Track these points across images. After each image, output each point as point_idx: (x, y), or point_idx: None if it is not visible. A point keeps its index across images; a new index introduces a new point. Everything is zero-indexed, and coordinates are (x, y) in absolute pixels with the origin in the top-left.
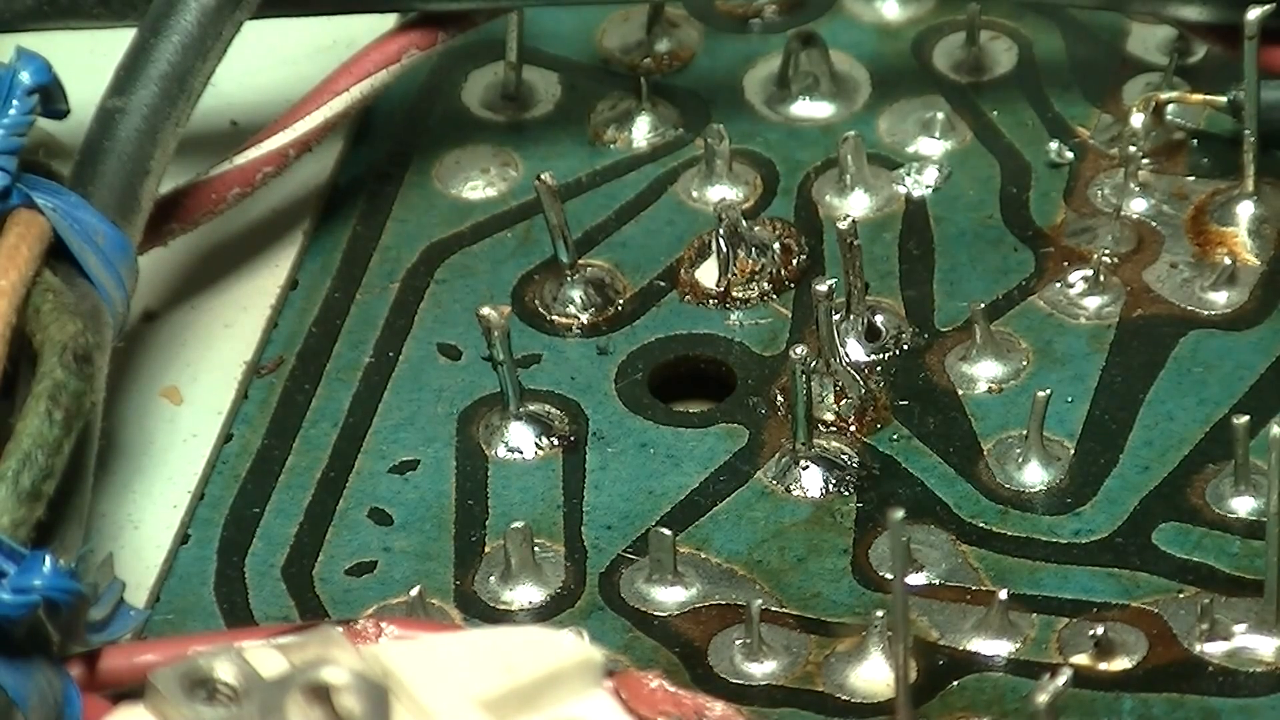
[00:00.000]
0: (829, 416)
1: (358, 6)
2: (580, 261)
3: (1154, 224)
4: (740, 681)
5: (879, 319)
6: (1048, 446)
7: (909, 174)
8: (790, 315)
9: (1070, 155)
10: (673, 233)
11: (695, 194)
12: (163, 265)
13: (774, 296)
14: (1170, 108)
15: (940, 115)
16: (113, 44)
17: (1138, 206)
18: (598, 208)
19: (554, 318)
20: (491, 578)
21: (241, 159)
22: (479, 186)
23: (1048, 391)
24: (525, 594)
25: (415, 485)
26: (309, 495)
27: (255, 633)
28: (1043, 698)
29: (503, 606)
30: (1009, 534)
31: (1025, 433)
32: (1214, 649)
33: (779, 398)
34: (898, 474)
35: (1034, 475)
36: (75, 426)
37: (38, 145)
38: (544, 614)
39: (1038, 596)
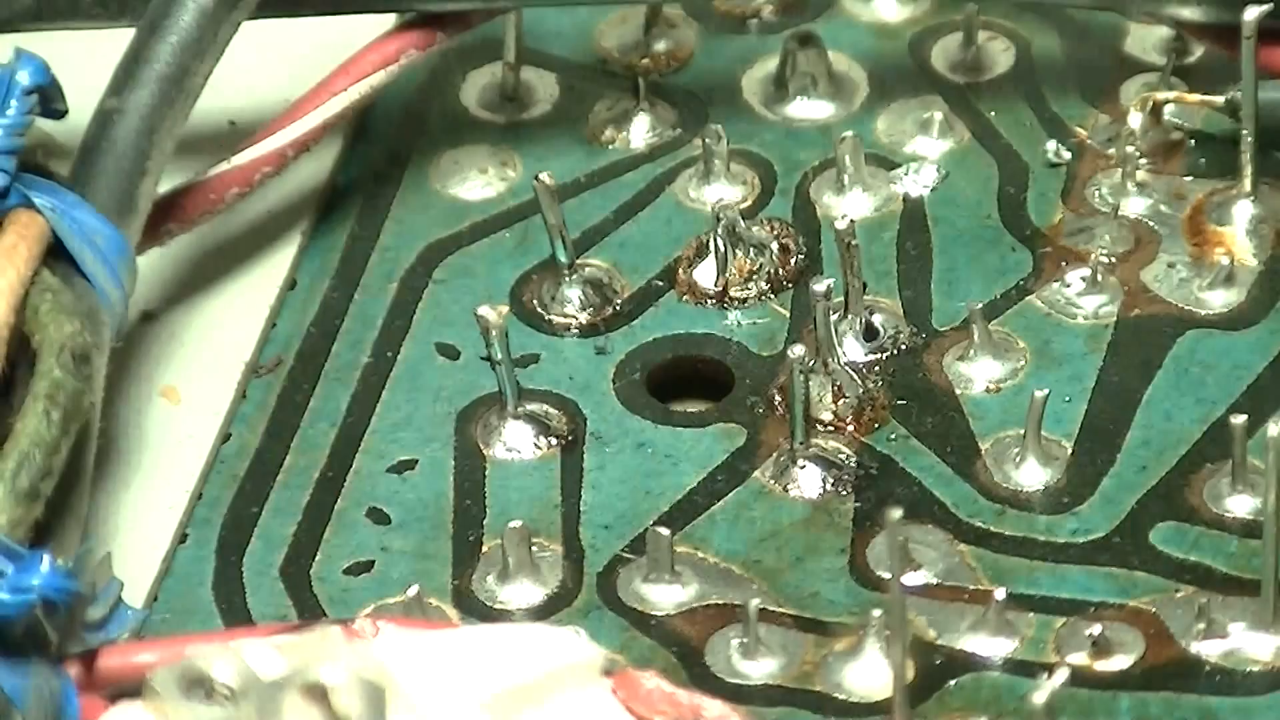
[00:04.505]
0: (827, 416)
1: (356, 7)
2: (578, 261)
3: (1151, 224)
4: (737, 681)
5: (876, 319)
6: (1045, 446)
7: (907, 174)
8: (788, 315)
9: (1068, 155)
10: (671, 233)
11: (693, 194)
12: (161, 265)
13: (772, 296)
14: (1168, 108)
15: (938, 115)
16: (111, 44)
17: (1135, 206)
18: (596, 208)
19: (552, 317)
20: (489, 577)
21: (240, 159)
22: (477, 186)
23: (1045, 391)
24: (523, 593)
25: (413, 485)
26: (307, 495)
27: (253, 632)
28: (1040, 698)
29: (500, 606)
30: (1006, 533)
31: (1023, 432)
32: (1211, 648)
33: (777, 397)
34: (895, 473)
35: (1032, 475)
36: (73, 426)
37: (36, 145)
38: (541, 613)
39: (1035, 596)
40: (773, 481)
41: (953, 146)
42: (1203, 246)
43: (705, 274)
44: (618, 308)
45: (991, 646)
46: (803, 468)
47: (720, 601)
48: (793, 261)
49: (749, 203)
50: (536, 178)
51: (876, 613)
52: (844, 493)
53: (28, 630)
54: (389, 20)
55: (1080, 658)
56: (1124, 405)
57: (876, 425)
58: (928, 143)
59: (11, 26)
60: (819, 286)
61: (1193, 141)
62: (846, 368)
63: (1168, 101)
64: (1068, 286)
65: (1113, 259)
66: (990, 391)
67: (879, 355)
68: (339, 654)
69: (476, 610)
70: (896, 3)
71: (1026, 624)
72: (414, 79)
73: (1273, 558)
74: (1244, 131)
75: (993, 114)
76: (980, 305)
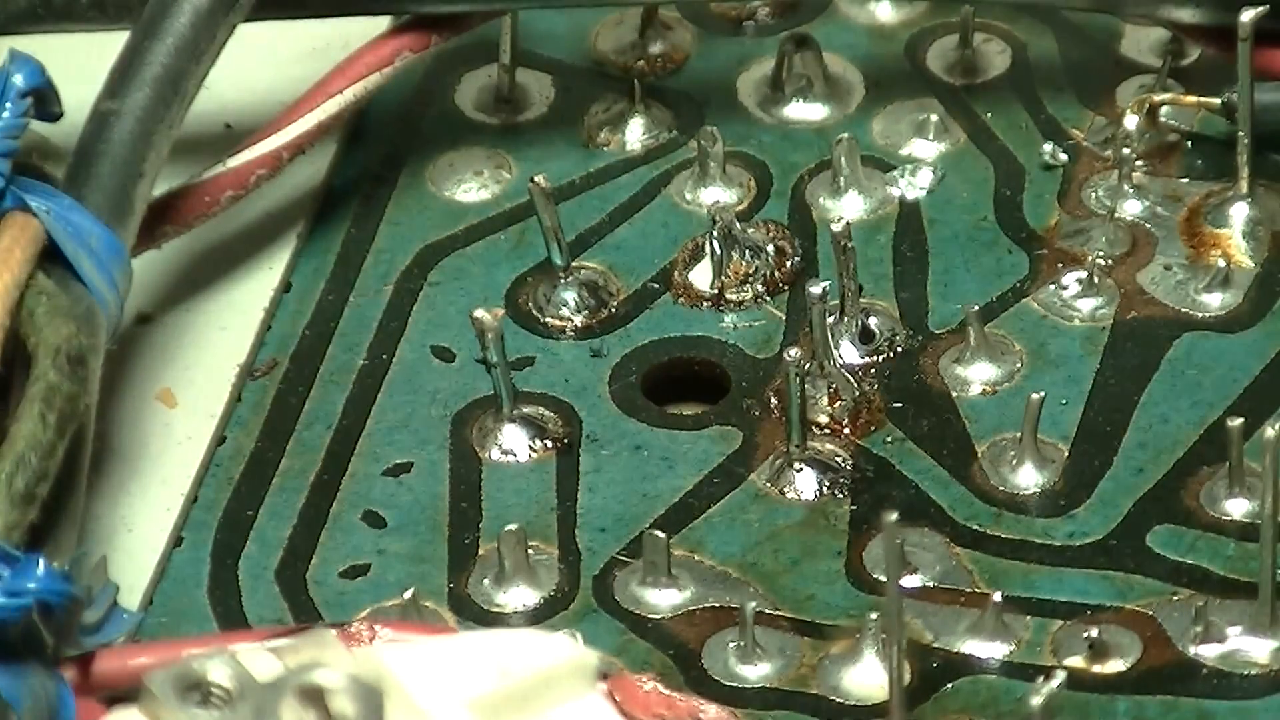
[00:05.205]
0: (823, 419)
1: (351, 9)
2: (574, 264)
3: (1148, 226)
4: (734, 684)
5: (873, 321)
6: (1042, 449)
7: (903, 176)
8: (784, 317)
9: (1064, 157)
10: (666, 235)
11: (689, 196)
12: (157, 268)
13: (768, 299)
14: (1164, 110)
15: (934, 117)
16: (106, 47)
17: (1132, 208)
18: (591, 210)
19: (548, 320)
20: (485, 580)
21: (235, 161)
22: (473, 189)
23: (1042, 394)
24: (519, 596)
25: (409, 488)
26: (303, 498)
27: (249, 635)
28: (1037, 700)
29: (496, 609)
30: (1003, 536)
31: (1019, 435)
32: (1208, 651)
33: (773, 400)
34: (891, 476)
35: (1028, 477)
36: (69, 429)
37: (31, 148)
38: (538, 617)
39: (1032, 599)
40: (769, 484)
41: (949, 148)
42: (1199, 249)
43: (701, 276)
44: (613, 310)
45: (988, 649)
46: (799, 470)
47: (717, 604)
48: (789, 264)
49: (745, 205)
50: (532, 180)
51: (873, 615)
52: (840, 495)
53: (24, 633)
54: (384, 22)
55: (1077, 660)
56: (1121, 408)
57: (873, 428)
58: (924, 145)
59: (7, 29)
60: (815, 289)
61: (1189, 143)
62: (842, 370)
63: (1164, 103)
64: (1064, 289)
65: (1109, 261)
66: (986, 394)
67: (875, 358)
68: (335, 657)
69: (473, 613)
70: (892, 5)
71: (1023, 627)
72: (409, 81)
73: (1270, 560)
74: (1240, 133)
75: (989, 116)
76: (976, 307)
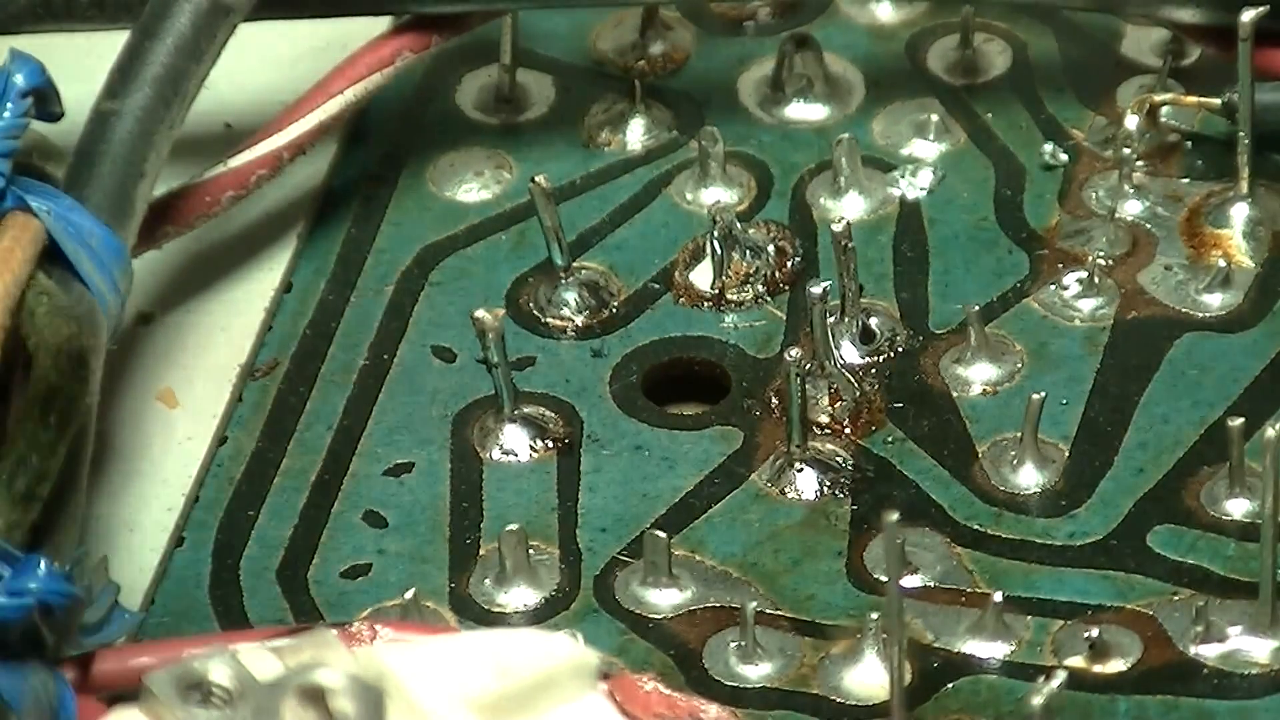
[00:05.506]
0: (823, 419)
1: (351, 9)
2: (575, 264)
3: (1148, 226)
4: (735, 684)
5: (873, 321)
6: (1042, 449)
7: (903, 176)
8: (785, 318)
9: (1065, 157)
10: (667, 235)
11: (689, 196)
12: (157, 268)
13: (768, 299)
14: (1165, 110)
15: (934, 118)
16: (107, 46)
17: (1132, 209)
18: (592, 210)
19: (548, 320)
20: (486, 580)
21: (236, 161)
22: (473, 189)
23: (1042, 394)
24: (520, 596)
25: (410, 488)
26: (303, 498)
27: (250, 635)
28: (1038, 700)
29: (497, 609)
30: (1004, 536)
31: (1020, 435)
32: (1209, 651)
33: (773, 400)
34: (892, 476)
35: (1028, 477)
36: (69, 429)
37: (31, 148)
38: (538, 617)
39: (1032, 599)
40: (770, 484)
41: (949, 149)
42: (1200, 249)
43: (701, 276)
44: (614, 310)
45: (989, 649)
46: (800, 470)
47: (717, 604)
48: (789, 264)
49: (745, 205)
50: (532, 180)
51: (874, 615)
52: (841, 495)
53: (25, 633)
54: (385, 22)
55: (1078, 660)
56: (1121, 408)
57: (873, 428)
58: (924, 145)
59: (7, 28)
60: (815, 289)
61: (1189, 143)
62: (843, 370)
63: (1164, 103)
64: (1065, 289)
65: (1110, 261)
66: (987, 394)
67: (875, 358)
68: (336, 657)
69: (473, 613)
70: (892, 5)
71: (1024, 627)
72: (410, 81)
73: (1270, 560)
74: (1240, 133)
75: (989, 116)
76: (977, 308)
